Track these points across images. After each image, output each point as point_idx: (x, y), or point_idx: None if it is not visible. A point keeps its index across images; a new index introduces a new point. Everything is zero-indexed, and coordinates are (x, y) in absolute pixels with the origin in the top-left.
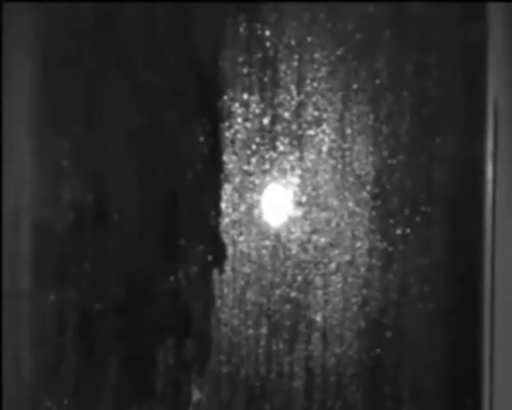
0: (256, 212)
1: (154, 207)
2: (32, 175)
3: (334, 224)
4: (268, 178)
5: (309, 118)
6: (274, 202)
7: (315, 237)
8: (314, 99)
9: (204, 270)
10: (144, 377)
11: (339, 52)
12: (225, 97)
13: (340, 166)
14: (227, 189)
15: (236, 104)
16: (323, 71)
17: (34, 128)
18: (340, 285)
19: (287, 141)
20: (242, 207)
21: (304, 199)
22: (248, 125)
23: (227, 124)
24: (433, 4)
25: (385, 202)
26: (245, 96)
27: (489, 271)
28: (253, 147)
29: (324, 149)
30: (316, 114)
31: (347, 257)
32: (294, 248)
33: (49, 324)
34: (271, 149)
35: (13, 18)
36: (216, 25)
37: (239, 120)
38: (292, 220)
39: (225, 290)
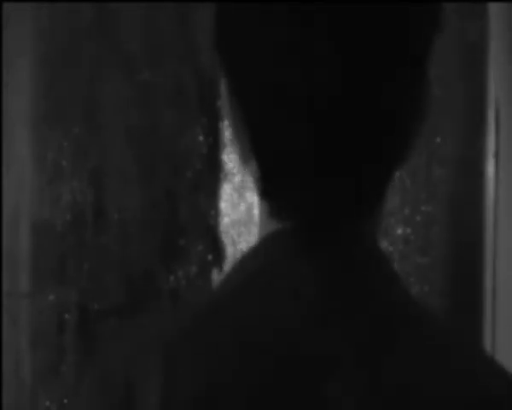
0: (256, 211)
1: (154, 207)
2: (32, 175)
3: None
4: None
5: None
6: None
7: None
8: None
9: (204, 270)
10: None
11: None
12: None
13: None
14: (226, 188)
15: None
16: None
17: (34, 128)
18: None
19: None
20: (242, 207)
21: None
22: None
23: (226, 123)
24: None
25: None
26: None
27: (491, 271)
28: None
29: None
30: None
31: None
32: None
33: (49, 323)
34: None
35: (13, 17)
36: None
37: None
38: None
39: None
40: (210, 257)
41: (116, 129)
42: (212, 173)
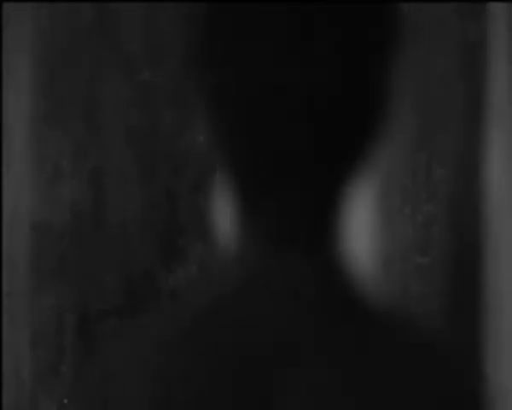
0: None
1: (154, 207)
2: (32, 175)
3: None
4: None
5: None
6: None
7: None
8: None
9: (204, 270)
10: None
11: None
12: None
13: None
14: None
15: None
16: None
17: (34, 128)
18: None
19: None
20: None
21: None
22: None
23: None
24: (434, 4)
25: (385, 202)
26: None
27: (491, 271)
28: None
29: None
30: None
31: None
32: None
33: (49, 323)
34: None
35: (13, 17)
36: None
37: None
38: None
39: None
40: (209, 257)
41: (116, 129)
42: (212, 173)
